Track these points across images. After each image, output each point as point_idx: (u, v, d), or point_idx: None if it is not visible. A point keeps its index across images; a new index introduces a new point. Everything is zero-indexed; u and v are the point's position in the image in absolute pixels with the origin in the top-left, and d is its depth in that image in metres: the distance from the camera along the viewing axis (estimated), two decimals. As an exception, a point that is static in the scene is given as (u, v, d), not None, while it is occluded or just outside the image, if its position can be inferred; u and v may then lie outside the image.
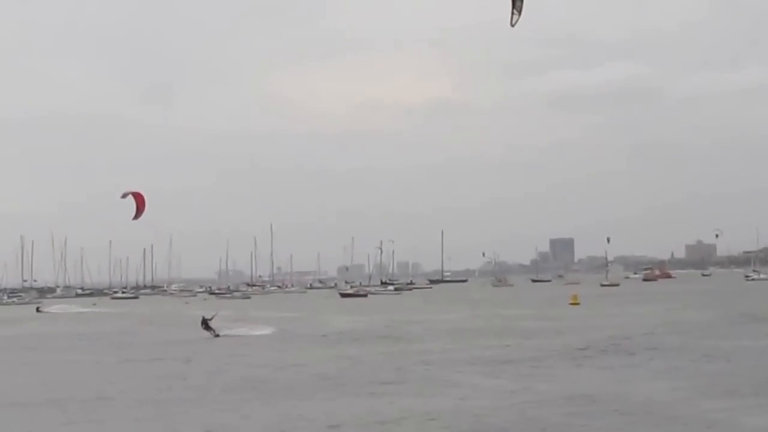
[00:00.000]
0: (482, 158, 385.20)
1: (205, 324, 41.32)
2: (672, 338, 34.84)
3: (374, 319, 57.66)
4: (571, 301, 70.84)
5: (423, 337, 40.55)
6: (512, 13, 10.91)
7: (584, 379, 23.24)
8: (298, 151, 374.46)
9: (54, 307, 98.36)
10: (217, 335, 40.52)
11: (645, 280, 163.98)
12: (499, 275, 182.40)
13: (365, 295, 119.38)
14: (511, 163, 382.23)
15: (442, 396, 20.54)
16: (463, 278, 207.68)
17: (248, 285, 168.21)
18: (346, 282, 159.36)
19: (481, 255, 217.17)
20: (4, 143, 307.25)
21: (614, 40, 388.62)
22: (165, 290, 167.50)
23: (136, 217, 31.03)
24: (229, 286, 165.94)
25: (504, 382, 22.87)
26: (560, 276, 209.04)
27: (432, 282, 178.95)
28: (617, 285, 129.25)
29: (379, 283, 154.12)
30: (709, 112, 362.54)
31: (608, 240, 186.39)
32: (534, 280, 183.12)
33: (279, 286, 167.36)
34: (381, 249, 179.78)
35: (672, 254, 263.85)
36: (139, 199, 30.78)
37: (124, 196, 31.03)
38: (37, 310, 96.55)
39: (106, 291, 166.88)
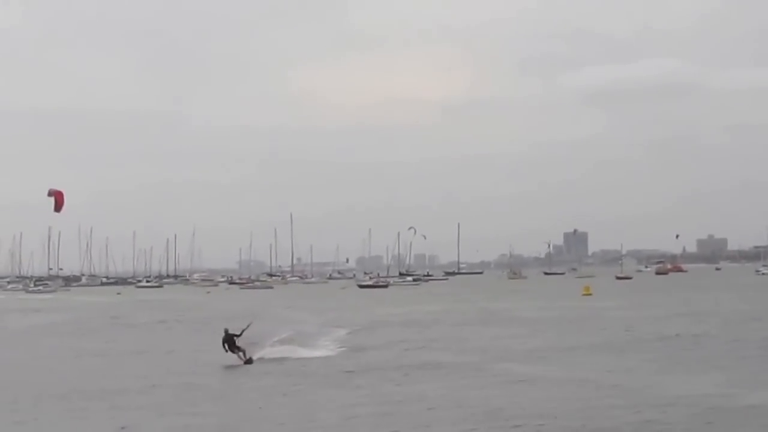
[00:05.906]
0: (502, 154, 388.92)
1: (230, 342, 28.07)
2: None
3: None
4: (584, 292, 74.93)
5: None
6: None
7: None
8: (318, 144, 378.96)
9: None
10: (250, 360, 28.07)
11: (657, 273, 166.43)
12: (514, 268, 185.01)
13: (386, 286, 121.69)
14: (530, 159, 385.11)
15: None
16: (479, 270, 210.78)
17: (269, 275, 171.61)
18: (365, 273, 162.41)
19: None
20: (34, 134, 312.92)
21: (638, 37, 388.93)
22: (188, 279, 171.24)
23: (56, 210, 33.53)
24: (250, 276, 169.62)
25: None
26: (573, 269, 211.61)
27: (448, 274, 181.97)
28: (630, 278, 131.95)
29: (397, 274, 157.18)
30: (728, 108, 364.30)
31: (575, 231, 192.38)
32: (547, 273, 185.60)
33: (300, 277, 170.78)
34: (414, 230, 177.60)
35: (684, 248, 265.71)
36: (59, 197, 33.29)
37: (50, 194, 33.55)
38: None
39: (130, 280, 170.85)
